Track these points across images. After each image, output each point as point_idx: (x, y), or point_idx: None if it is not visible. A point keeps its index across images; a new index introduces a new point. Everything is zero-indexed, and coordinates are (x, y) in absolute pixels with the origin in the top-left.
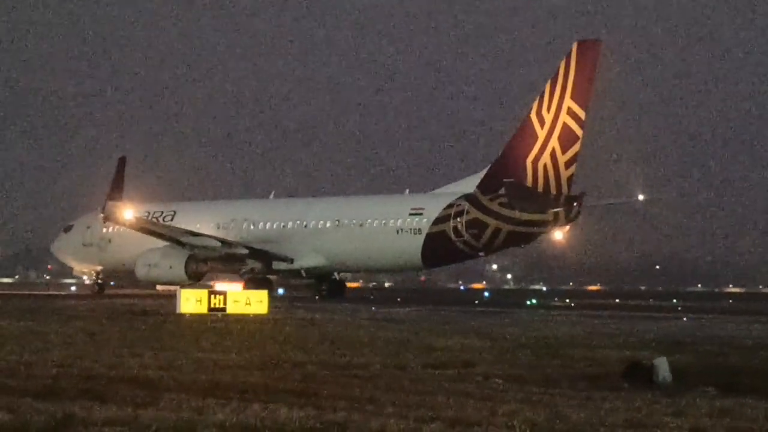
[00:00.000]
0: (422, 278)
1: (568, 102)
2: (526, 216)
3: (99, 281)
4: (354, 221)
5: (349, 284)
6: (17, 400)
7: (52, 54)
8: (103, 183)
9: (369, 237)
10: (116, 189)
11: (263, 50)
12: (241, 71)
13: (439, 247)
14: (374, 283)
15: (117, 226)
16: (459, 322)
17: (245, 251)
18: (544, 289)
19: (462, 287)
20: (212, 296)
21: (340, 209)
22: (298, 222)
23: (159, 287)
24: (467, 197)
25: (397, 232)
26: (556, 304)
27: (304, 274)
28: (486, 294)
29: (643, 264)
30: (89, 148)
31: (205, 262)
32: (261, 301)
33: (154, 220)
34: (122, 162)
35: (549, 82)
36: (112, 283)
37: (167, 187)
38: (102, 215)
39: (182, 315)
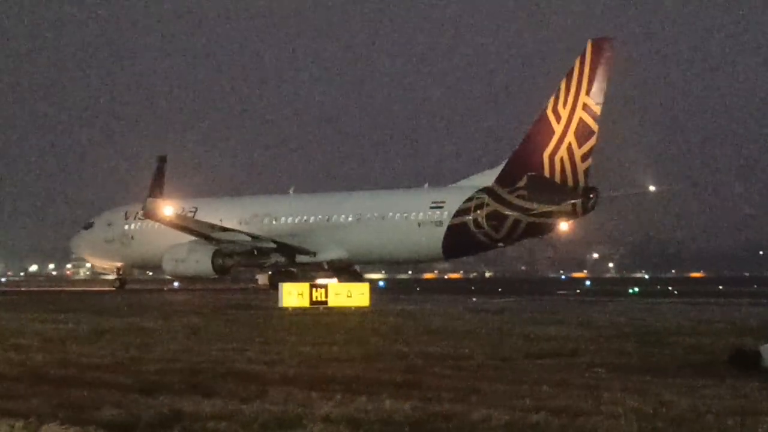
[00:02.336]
0: (523, 268)
1: (583, 98)
2: (544, 207)
3: (120, 276)
4: (376, 215)
5: (450, 275)
6: (125, 395)
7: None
8: (117, 181)
9: (391, 230)
10: (157, 186)
11: (282, 46)
12: (258, 67)
13: (459, 239)
14: (474, 273)
15: (139, 223)
16: (561, 311)
17: (272, 245)
18: (646, 277)
19: (563, 276)
20: (314, 289)
21: (362, 203)
22: (320, 216)
23: (259, 280)
24: (486, 190)
25: (419, 224)
26: (658, 292)
27: (326, 267)
28: (587, 283)
29: (747, 250)
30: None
31: (230, 257)
32: (362, 294)
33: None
34: (163, 160)
35: (564, 79)
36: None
37: (187, 184)
38: (142, 211)
39: (284, 309)
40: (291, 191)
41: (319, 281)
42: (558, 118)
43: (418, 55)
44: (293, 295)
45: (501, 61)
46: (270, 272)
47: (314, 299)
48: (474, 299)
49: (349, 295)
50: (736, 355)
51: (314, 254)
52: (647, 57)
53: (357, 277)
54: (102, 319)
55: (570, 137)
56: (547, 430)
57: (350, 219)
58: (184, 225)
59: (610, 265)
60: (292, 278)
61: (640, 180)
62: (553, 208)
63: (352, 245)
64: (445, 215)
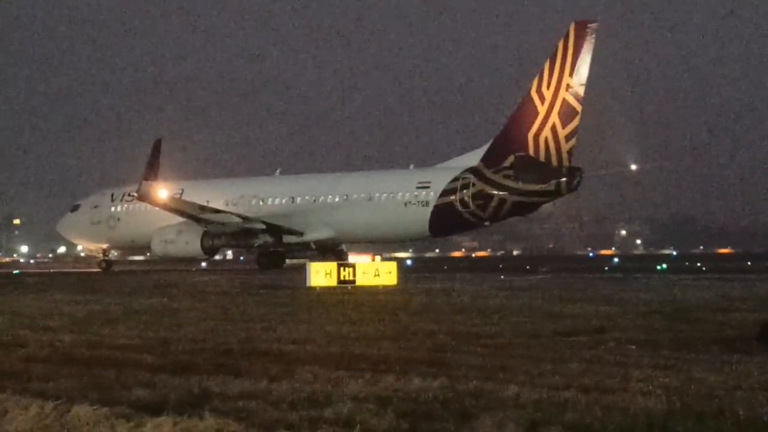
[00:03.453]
0: (550, 245)
1: (566, 79)
2: (529, 187)
3: (106, 258)
4: (363, 195)
5: (477, 254)
6: (154, 375)
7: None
8: (100, 165)
9: (378, 210)
10: (151, 170)
11: (269, 27)
12: (244, 48)
13: (446, 218)
14: (502, 252)
15: (125, 205)
16: (589, 288)
17: (262, 226)
18: (675, 253)
19: (591, 254)
20: (342, 269)
21: (349, 184)
22: (307, 197)
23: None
24: (472, 170)
25: (405, 204)
26: (687, 269)
27: (313, 246)
28: (615, 260)
29: None
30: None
31: (219, 237)
32: (390, 272)
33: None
34: (158, 144)
35: (548, 60)
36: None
37: (171, 166)
38: (135, 194)
39: (312, 288)
40: (277, 173)
41: (350, 259)
42: (542, 99)
43: (403, 37)
44: (321, 274)
45: (484, 42)
46: (258, 253)
47: (342, 278)
48: (502, 277)
49: (376, 274)
50: (765, 331)
51: (301, 234)
52: (630, 38)
53: (343, 257)
54: (131, 300)
55: (554, 118)
56: (576, 407)
57: (337, 200)
58: (178, 207)
59: (638, 242)
60: (281, 258)
61: (624, 159)
62: (538, 187)
63: (339, 225)
64: (432, 195)
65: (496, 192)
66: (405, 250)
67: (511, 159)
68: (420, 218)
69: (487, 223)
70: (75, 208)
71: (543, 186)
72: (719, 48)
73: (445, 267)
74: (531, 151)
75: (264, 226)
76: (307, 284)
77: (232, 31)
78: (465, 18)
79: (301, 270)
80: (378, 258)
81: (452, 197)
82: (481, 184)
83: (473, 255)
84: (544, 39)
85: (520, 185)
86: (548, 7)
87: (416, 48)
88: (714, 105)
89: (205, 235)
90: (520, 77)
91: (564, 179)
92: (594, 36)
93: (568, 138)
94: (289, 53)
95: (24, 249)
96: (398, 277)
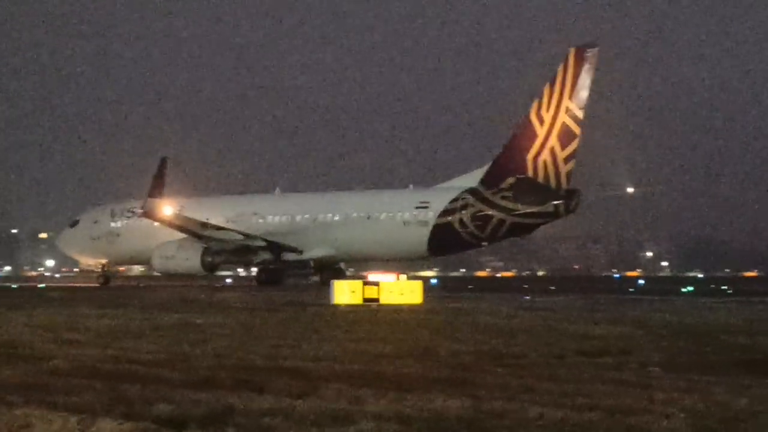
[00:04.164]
0: (576, 266)
1: (566, 102)
2: (528, 208)
3: (105, 273)
4: (362, 214)
5: (502, 274)
6: (178, 391)
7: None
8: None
9: (377, 229)
10: (157, 187)
11: (271, 46)
12: (244, 67)
13: (444, 238)
14: (528, 272)
15: (125, 221)
16: (614, 310)
17: (262, 243)
18: (700, 275)
19: (616, 275)
20: (366, 287)
21: (349, 203)
22: (307, 215)
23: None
24: (471, 191)
25: (404, 224)
26: (712, 291)
27: (312, 264)
28: (640, 282)
29: None
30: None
31: (219, 254)
32: (414, 291)
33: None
34: (164, 162)
35: (548, 84)
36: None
37: (172, 183)
38: (140, 210)
39: (336, 306)
40: (277, 191)
41: (371, 278)
42: (541, 122)
43: (404, 59)
44: (345, 292)
45: (484, 65)
46: (259, 269)
47: (366, 296)
48: (527, 297)
49: (401, 292)
50: None
51: (301, 252)
52: (630, 61)
53: (341, 275)
54: (154, 315)
55: (553, 140)
56: (600, 429)
57: (337, 218)
58: (181, 224)
59: (664, 263)
60: (280, 276)
61: (620, 181)
62: (536, 209)
63: (338, 243)
64: (431, 215)
65: (494, 213)
66: (430, 268)
67: (510, 180)
68: (419, 238)
69: (484, 244)
70: (74, 224)
71: (541, 208)
72: (724, 68)
73: (470, 286)
74: (530, 173)
75: (264, 244)
76: (332, 302)
77: (235, 48)
78: (466, 39)
79: (325, 287)
80: (403, 277)
81: (451, 217)
82: (479, 204)
83: (498, 275)
84: (544, 63)
85: (518, 207)
86: (548, 31)
87: (417, 69)
88: (724, 126)
89: (205, 251)
90: (520, 100)
91: (562, 201)
92: (593, 61)
93: (566, 160)
94: (290, 72)
95: (50, 263)
96: (423, 296)
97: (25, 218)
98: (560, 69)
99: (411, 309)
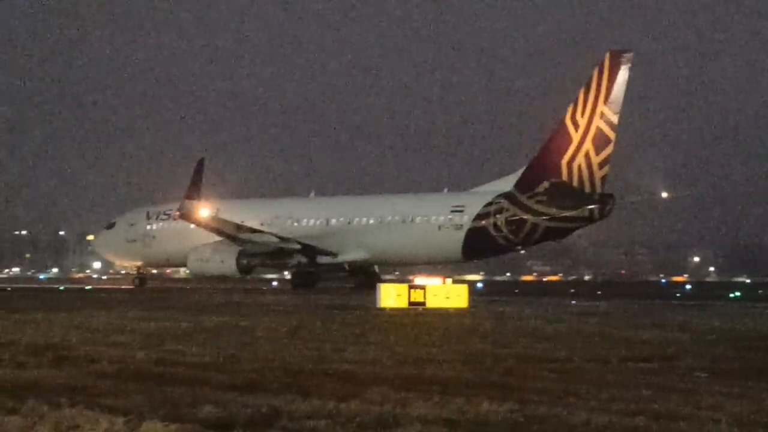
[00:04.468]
0: (622, 271)
1: (601, 107)
2: (562, 213)
3: (140, 275)
4: (397, 218)
5: (548, 278)
6: (224, 393)
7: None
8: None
9: (411, 232)
10: (194, 189)
11: (304, 51)
12: (280, 72)
13: (479, 242)
14: (574, 277)
15: (161, 223)
16: (660, 315)
17: (297, 246)
18: (747, 281)
19: (663, 280)
20: (412, 290)
21: (383, 207)
22: (342, 219)
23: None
24: (506, 195)
25: (439, 228)
26: (760, 296)
27: (346, 267)
28: (687, 287)
29: None
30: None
31: (254, 257)
32: (460, 295)
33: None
34: (201, 163)
35: (583, 88)
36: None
37: (208, 185)
38: (177, 212)
39: (383, 309)
40: (311, 194)
41: (417, 282)
42: (576, 127)
43: (438, 62)
44: (391, 295)
45: (520, 69)
46: (293, 272)
47: (412, 300)
48: (573, 302)
49: (447, 296)
50: None
51: (335, 255)
52: (663, 66)
53: (376, 278)
54: (201, 317)
55: (588, 145)
56: None
57: (372, 222)
58: (217, 227)
59: (711, 269)
60: (314, 278)
61: (654, 186)
62: (570, 213)
63: (372, 247)
64: (465, 219)
65: (529, 217)
66: (476, 272)
67: (544, 185)
68: (453, 241)
69: (519, 248)
70: (111, 226)
71: (575, 212)
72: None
73: (516, 291)
74: (564, 178)
75: (299, 247)
76: (378, 305)
77: (272, 51)
78: (503, 44)
79: (371, 291)
80: (449, 281)
81: (485, 221)
82: (514, 209)
83: (544, 279)
84: (580, 67)
85: (553, 211)
86: (585, 35)
87: (451, 73)
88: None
89: (240, 254)
90: (555, 104)
91: (596, 206)
92: (629, 65)
93: (601, 165)
94: (324, 76)
95: (97, 265)
96: (468, 300)
97: (72, 220)
98: (595, 73)
99: (456, 313)
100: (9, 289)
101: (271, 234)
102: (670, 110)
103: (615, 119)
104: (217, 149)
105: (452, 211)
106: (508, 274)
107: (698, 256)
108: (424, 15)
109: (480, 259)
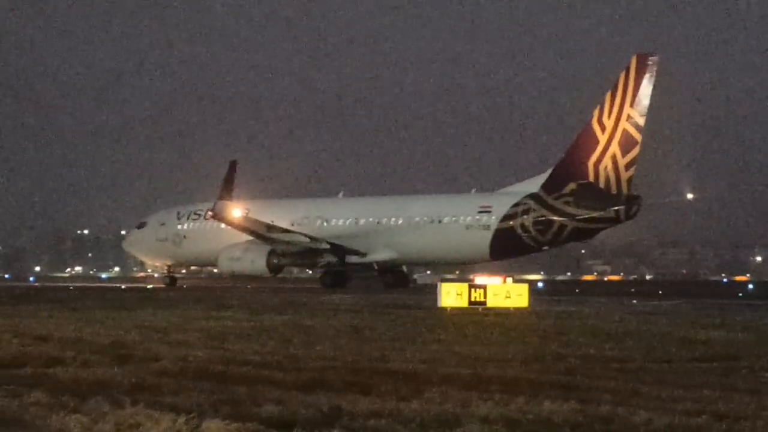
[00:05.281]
0: (684, 271)
1: (627, 110)
2: (589, 214)
3: (170, 274)
4: (425, 218)
5: (609, 278)
6: (285, 392)
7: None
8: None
9: (440, 233)
10: (226, 189)
11: (333, 53)
12: (310, 72)
13: (506, 242)
14: (635, 276)
15: (191, 223)
16: (722, 314)
17: (327, 246)
18: None
19: (725, 280)
20: (473, 290)
21: (412, 207)
22: (371, 219)
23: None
24: (533, 196)
25: (467, 228)
26: None
27: (375, 267)
28: (750, 286)
29: None
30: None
31: (285, 256)
32: (521, 295)
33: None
34: (233, 164)
35: (609, 91)
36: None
37: (239, 185)
38: (210, 212)
39: (443, 309)
40: (340, 195)
41: (478, 281)
42: (603, 129)
43: (468, 64)
44: (452, 295)
45: (547, 72)
46: (323, 272)
47: (473, 299)
48: (634, 301)
49: (507, 296)
50: None
51: (364, 255)
52: (690, 70)
53: (405, 278)
54: (262, 316)
55: (614, 147)
56: None
57: (400, 222)
58: (249, 227)
59: None
60: (344, 278)
61: (681, 188)
62: (597, 214)
63: (401, 247)
64: (493, 219)
65: (556, 218)
66: (536, 272)
67: (571, 186)
68: (481, 242)
69: (546, 248)
70: (142, 225)
71: (602, 213)
72: None
73: (577, 290)
74: (591, 179)
75: (328, 246)
76: (438, 305)
77: (303, 52)
78: (531, 46)
79: (431, 290)
80: (509, 280)
81: (513, 222)
82: (541, 209)
83: (605, 279)
84: (607, 69)
85: (579, 212)
86: (611, 38)
87: (480, 76)
88: None
89: (271, 253)
90: (581, 107)
91: (623, 207)
92: (655, 68)
93: (627, 167)
94: (354, 78)
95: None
96: (529, 300)
97: (134, 220)
98: (622, 76)
99: (517, 312)
100: (71, 288)
101: (301, 234)
102: (698, 113)
103: (641, 121)
104: (248, 150)
105: (480, 212)
106: (569, 273)
107: (761, 255)
108: (453, 13)
109: (507, 259)
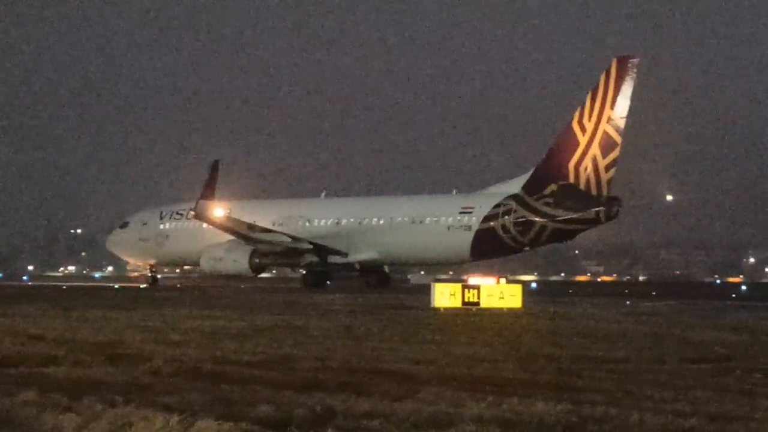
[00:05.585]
0: (677, 272)
1: (608, 112)
2: (569, 215)
3: (152, 274)
4: (407, 219)
5: (603, 278)
6: (279, 392)
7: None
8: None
9: (421, 233)
10: (209, 189)
11: (313, 53)
12: (290, 73)
13: (487, 243)
14: (628, 277)
15: (174, 223)
16: (715, 316)
17: (309, 246)
18: None
19: (718, 281)
20: (466, 290)
21: (394, 207)
22: (353, 219)
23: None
24: (514, 197)
25: (448, 228)
26: None
27: (357, 267)
28: (743, 287)
29: None
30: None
31: (266, 256)
32: (514, 295)
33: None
34: (215, 165)
35: (590, 93)
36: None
37: (220, 186)
38: (192, 212)
39: (436, 309)
40: (322, 195)
41: (471, 281)
42: (583, 130)
43: (448, 65)
44: (445, 295)
45: (527, 74)
46: (305, 272)
47: (466, 300)
48: (627, 302)
49: (501, 296)
50: None
51: (346, 255)
52: (670, 72)
53: (386, 278)
54: (255, 316)
55: (594, 149)
56: None
57: (382, 222)
58: (231, 227)
59: (767, 270)
60: (326, 278)
61: (660, 189)
62: (578, 215)
63: (383, 247)
64: (474, 220)
65: (536, 219)
66: (529, 272)
67: (552, 187)
68: (462, 242)
69: (527, 249)
70: (124, 225)
71: (582, 214)
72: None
73: (570, 291)
74: (572, 180)
75: (310, 247)
76: (431, 305)
77: (282, 53)
78: (511, 49)
79: (421, 290)
80: (503, 280)
81: (494, 222)
82: (522, 210)
83: (599, 279)
84: (587, 72)
85: (560, 213)
86: (591, 41)
87: (460, 76)
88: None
89: (253, 253)
90: (562, 109)
91: (603, 208)
92: (635, 71)
93: (607, 168)
94: (334, 79)
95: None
96: (522, 300)
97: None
98: (602, 79)
99: (511, 313)
100: (65, 287)
101: (283, 234)
102: (680, 115)
103: (621, 123)
104: (229, 150)
105: (461, 213)
106: (563, 274)
107: (753, 257)
108: (432, 16)
109: (487, 259)
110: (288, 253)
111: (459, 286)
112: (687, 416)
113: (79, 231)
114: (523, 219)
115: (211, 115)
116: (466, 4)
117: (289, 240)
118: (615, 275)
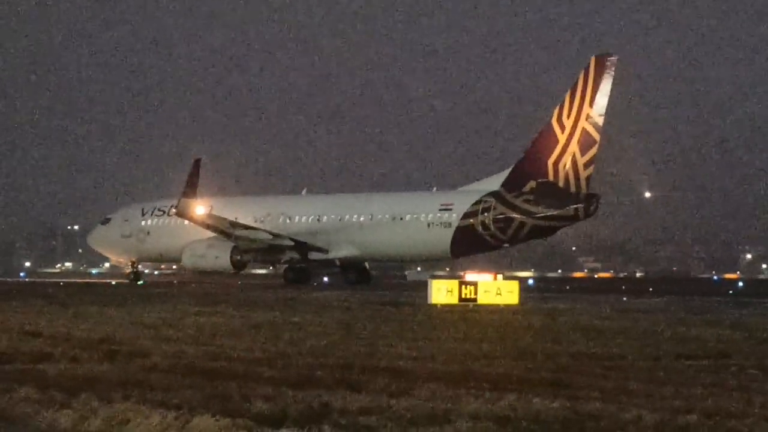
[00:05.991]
0: (674, 268)
1: (586, 109)
2: (548, 212)
3: (135, 270)
4: (387, 215)
5: (600, 275)
6: (275, 388)
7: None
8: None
9: (401, 230)
10: (191, 187)
11: (296, 49)
12: (270, 70)
13: (467, 240)
14: (625, 273)
15: (155, 219)
16: (712, 312)
17: (290, 243)
18: None
19: (715, 277)
20: (463, 287)
21: (374, 204)
22: (333, 216)
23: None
24: (493, 194)
25: (428, 225)
26: None
27: (337, 263)
28: (740, 284)
29: None
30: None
31: (248, 253)
32: (511, 292)
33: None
34: (197, 162)
35: (569, 91)
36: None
37: (201, 183)
38: (174, 209)
39: (433, 306)
40: (303, 192)
41: (468, 278)
42: (562, 128)
43: (428, 63)
44: (442, 291)
45: (507, 72)
46: (286, 268)
47: (463, 296)
48: (624, 299)
49: (498, 292)
50: None
51: (326, 252)
52: (648, 71)
53: (367, 275)
54: (252, 313)
55: (573, 146)
56: None
57: (362, 219)
58: (213, 223)
59: (764, 266)
60: (306, 274)
61: (638, 186)
62: (557, 212)
63: (363, 244)
64: (454, 217)
65: (516, 215)
66: (527, 269)
67: (531, 184)
68: (442, 239)
69: (506, 245)
70: (106, 221)
71: (561, 211)
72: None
73: (567, 287)
74: (551, 178)
75: (291, 243)
76: (429, 301)
77: (265, 50)
78: (491, 46)
79: (421, 287)
80: (500, 277)
81: (474, 219)
82: (502, 207)
83: (595, 276)
84: (566, 70)
85: (539, 210)
86: (570, 40)
87: (440, 74)
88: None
89: (234, 250)
90: (541, 107)
91: (582, 205)
92: (613, 69)
93: (586, 166)
94: (315, 76)
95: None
96: (519, 297)
97: None
98: (581, 77)
99: (508, 309)
100: (62, 283)
101: (264, 231)
102: (658, 112)
103: (600, 121)
104: (210, 147)
105: (441, 210)
106: (560, 270)
107: (750, 253)
108: (415, 16)
109: (467, 256)
110: (269, 249)
111: (456, 282)
112: (684, 412)
113: (75, 227)
114: (503, 216)
115: (196, 113)
116: (445, 1)
117: (270, 237)
118: (612, 272)
